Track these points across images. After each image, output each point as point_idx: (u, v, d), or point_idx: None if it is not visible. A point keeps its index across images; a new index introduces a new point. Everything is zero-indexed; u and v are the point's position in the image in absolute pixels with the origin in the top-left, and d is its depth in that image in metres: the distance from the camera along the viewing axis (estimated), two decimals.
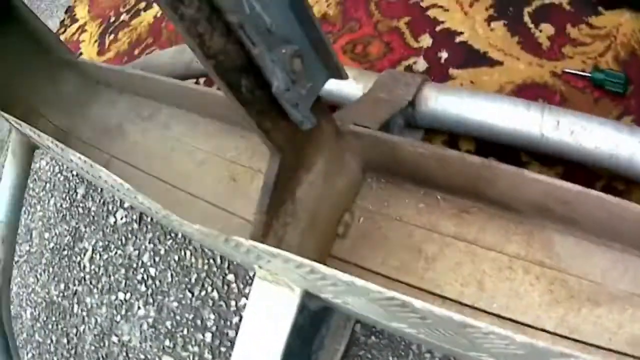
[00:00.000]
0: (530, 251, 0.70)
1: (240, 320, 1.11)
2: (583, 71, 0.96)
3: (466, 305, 0.70)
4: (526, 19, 1.06)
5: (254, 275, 1.13)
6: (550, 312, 0.66)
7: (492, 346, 0.45)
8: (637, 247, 0.64)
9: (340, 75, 0.65)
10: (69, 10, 2.39)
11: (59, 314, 1.47)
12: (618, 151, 0.74)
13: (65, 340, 1.43)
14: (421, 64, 1.10)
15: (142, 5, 2.00)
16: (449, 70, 1.06)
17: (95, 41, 2.05)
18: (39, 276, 1.61)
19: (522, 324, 0.67)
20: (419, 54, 1.11)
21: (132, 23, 1.96)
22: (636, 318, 0.62)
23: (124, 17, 2.03)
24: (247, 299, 1.11)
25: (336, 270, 0.50)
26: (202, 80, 1.46)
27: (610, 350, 0.61)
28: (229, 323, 1.14)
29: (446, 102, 0.88)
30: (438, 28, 1.13)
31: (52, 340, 1.47)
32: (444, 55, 1.09)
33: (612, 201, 0.60)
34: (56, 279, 1.54)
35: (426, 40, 1.13)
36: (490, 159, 0.89)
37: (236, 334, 1.06)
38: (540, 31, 1.04)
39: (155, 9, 1.91)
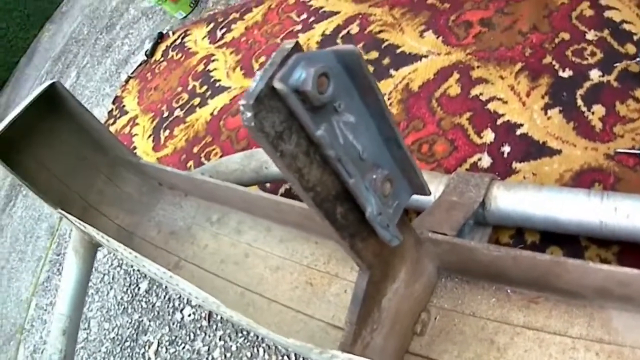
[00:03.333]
0: (591, 331, 0.74)
1: None
2: (632, 148, 0.97)
3: None
4: (579, 102, 1.09)
5: None
6: None
7: None
8: None
9: (424, 192, 0.69)
10: (117, 101, 2.41)
11: None
12: None
13: None
14: (486, 160, 1.12)
15: (197, 101, 2.00)
16: (512, 164, 1.08)
17: (150, 136, 2.06)
18: None
19: None
20: (483, 150, 1.13)
21: (187, 120, 1.96)
22: None
23: (177, 112, 2.04)
24: None
25: None
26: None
27: None
28: None
29: (514, 201, 0.91)
30: (499, 121, 1.16)
31: None
32: (506, 149, 1.11)
33: None
34: None
35: (489, 136, 1.15)
36: (552, 247, 0.94)
37: None
38: (593, 113, 1.06)
39: (211, 107, 1.91)
